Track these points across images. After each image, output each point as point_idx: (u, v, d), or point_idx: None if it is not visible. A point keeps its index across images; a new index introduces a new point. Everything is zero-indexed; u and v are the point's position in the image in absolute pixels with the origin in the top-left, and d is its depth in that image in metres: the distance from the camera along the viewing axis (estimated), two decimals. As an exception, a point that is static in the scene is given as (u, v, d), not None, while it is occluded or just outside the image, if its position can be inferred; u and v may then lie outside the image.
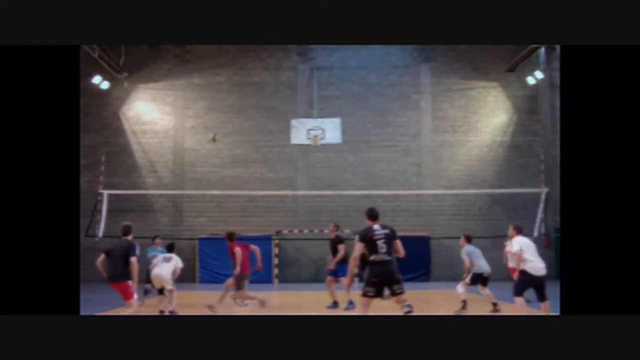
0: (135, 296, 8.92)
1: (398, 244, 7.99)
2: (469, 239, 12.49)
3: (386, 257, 7.79)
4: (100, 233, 18.05)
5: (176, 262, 11.76)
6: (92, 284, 15.98)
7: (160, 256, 12.03)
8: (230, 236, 12.34)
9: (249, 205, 22.78)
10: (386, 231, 7.94)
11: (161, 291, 11.86)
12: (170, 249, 12.38)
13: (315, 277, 22.11)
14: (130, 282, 8.86)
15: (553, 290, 9.27)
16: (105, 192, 18.56)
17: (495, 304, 11.81)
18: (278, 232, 22.72)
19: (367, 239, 7.87)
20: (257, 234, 22.26)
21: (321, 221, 22.29)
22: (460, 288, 12.05)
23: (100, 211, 18.23)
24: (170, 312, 11.50)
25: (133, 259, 8.86)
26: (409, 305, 7.86)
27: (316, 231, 22.38)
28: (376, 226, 8.00)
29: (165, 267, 11.66)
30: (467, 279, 12.01)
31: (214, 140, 17.51)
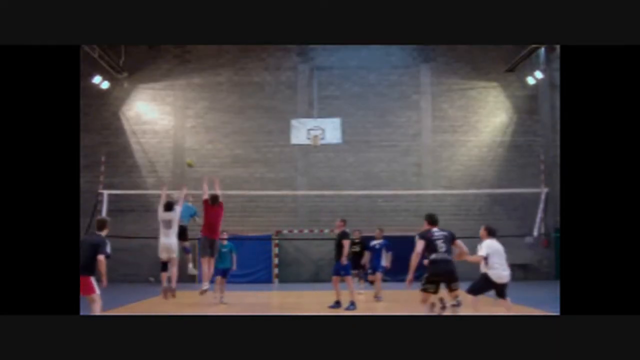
0: (98, 291, 8.63)
1: (459, 243, 8.89)
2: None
3: (447, 256, 8.57)
4: (100, 233, 18.02)
5: (175, 215, 11.87)
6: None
7: (160, 222, 11.97)
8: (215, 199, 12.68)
9: (249, 205, 22.75)
10: (444, 233, 8.76)
11: (165, 266, 11.83)
12: (168, 207, 12.07)
13: (315, 277, 22.13)
14: (92, 278, 8.56)
15: (553, 290, 9.25)
16: (105, 192, 18.53)
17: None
18: (278, 232, 22.71)
19: (427, 238, 8.63)
20: (257, 234, 22.28)
21: (321, 221, 22.30)
22: None
23: (100, 211, 18.18)
24: (170, 290, 11.61)
25: (101, 257, 8.57)
26: (459, 301, 8.55)
27: (316, 231, 22.38)
28: (435, 229, 8.83)
29: (171, 234, 11.82)
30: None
31: (189, 165, 17.28)
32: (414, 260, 8.57)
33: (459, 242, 8.86)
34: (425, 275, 8.64)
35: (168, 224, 11.79)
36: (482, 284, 9.26)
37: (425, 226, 8.91)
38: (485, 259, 9.10)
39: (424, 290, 8.56)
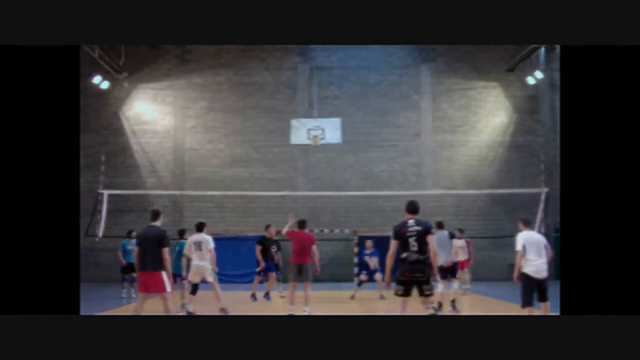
0: (169, 288, 8.70)
1: (429, 239, 7.77)
2: None
3: (418, 256, 7.67)
4: (100, 233, 18.02)
5: (207, 243, 11.57)
6: (92, 283, 15.97)
7: (191, 243, 11.69)
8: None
9: (249, 205, 22.72)
10: (418, 228, 7.76)
11: (195, 289, 11.63)
12: (199, 228, 11.84)
13: (315, 277, 22.04)
14: (163, 273, 8.60)
15: (553, 290, 9.19)
16: (105, 192, 18.54)
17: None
18: (278, 232, 22.62)
19: (399, 236, 7.79)
20: (256, 234, 22.23)
21: (321, 221, 22.28)
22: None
23: (100, 211, 18.21)
24: (223, 309, 11.37)
25: (165, 250, 8.71)
26: (434, 308, 7.86)
27: (316, 231, 22.34)
28: (411, 221, 7.86)
29: (205, 255, 11.53)
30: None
31: None
32: (389, 261, 7.87)
33: (430, 237, 7.77)
34: (396, 277, 7.88)
35: (198, 245, 11.58)
36: (526, 287, 8.56)
37: (406, 216, 8.02)
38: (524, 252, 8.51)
39: (395, 292, 7.81)
